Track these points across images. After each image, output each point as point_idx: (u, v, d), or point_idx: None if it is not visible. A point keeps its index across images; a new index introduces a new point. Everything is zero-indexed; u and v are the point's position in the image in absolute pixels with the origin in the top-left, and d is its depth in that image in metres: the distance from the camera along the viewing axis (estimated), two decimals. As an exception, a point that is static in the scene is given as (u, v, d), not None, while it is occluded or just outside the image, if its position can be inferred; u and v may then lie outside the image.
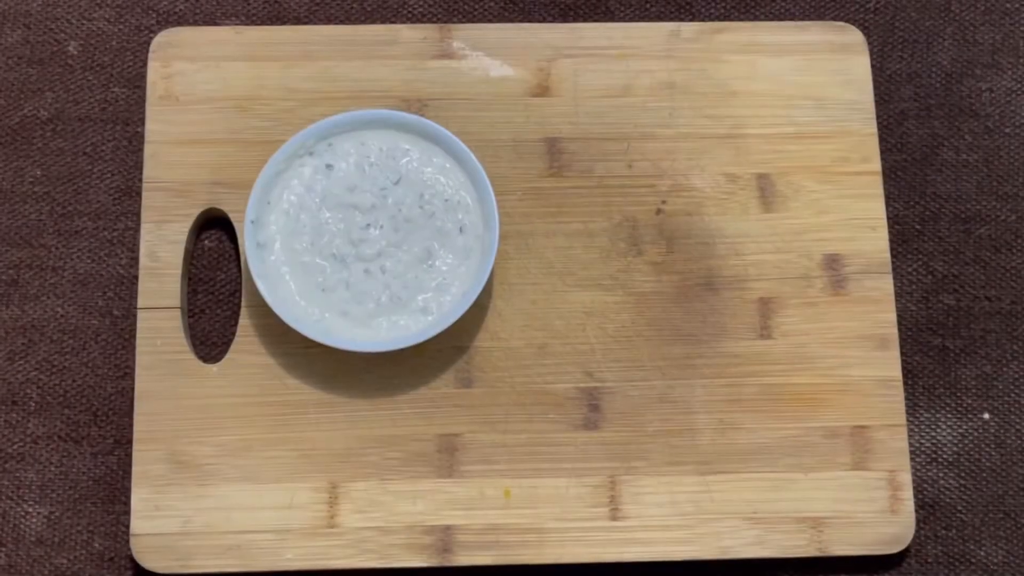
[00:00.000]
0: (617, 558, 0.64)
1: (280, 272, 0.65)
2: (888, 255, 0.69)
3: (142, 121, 0.71)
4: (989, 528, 0.68)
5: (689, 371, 0.67)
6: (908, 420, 0.69)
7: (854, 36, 0.73)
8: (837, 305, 0.68)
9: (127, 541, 0.65)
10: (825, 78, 0.72)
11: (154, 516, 0.64)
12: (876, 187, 0.70)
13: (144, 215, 0.68)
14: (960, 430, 0.69)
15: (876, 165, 0.71)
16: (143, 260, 0.67)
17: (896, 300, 0.70)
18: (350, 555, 0.64)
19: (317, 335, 0.63)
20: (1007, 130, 0.74)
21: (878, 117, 0.72)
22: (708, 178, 0.70)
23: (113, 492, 0.66)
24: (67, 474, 0.67)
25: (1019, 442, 0.70)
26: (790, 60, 0.72)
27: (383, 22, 0.74)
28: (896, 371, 0.68)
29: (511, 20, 0.75)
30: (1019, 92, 0.75)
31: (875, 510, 0.66)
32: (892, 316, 0.69)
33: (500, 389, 0.66)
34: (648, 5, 0.76)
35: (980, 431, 0.70)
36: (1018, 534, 0.68)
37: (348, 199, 0.65)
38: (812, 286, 0.69)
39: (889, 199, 0.72)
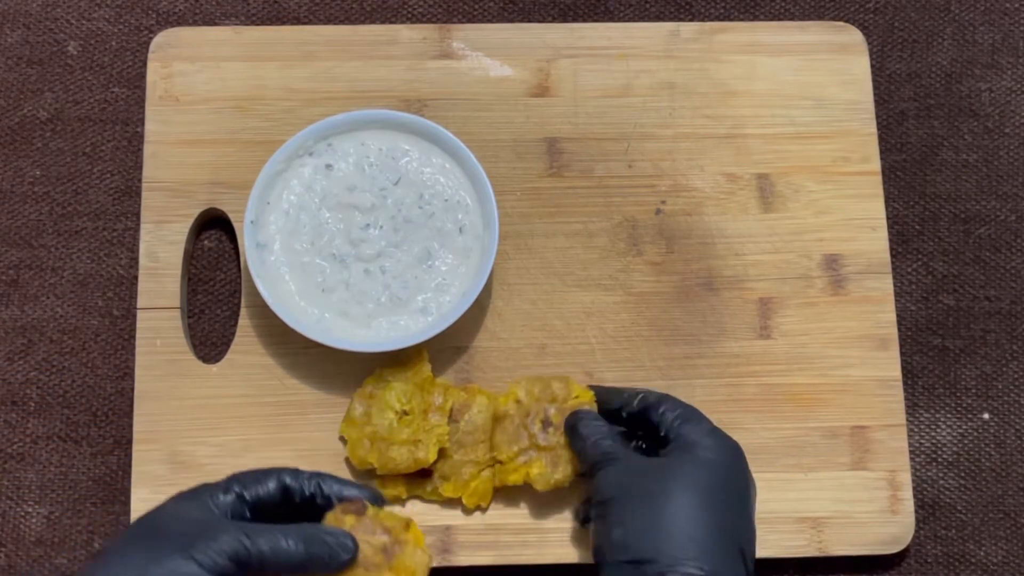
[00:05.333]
0: (617, 558, 0.64)
1: (280, 272, 0.65)
2: (888, 255, 0.69)
3: (142, 121, 0.71)
4: (989, 528, 0.68)
5: (689, 371, 0.67)
6: (908, 420, 0.69)
7: (854, 36, 0.73)
8: (837, 305, 0.68)
9: (127, 541, 0.65)
10: (825, 78, 0.72)
11: (154, 516, 0.64)
12: (876, 187, 0.70)
13: (144, 215, 0.68)
14: (960, 430, 0.69)
15: (876, 165, 0.71)
16: (143, 260, 0.67)
17: (896, 300, 0.70)
18: (350, 555, 0.64)
19: (317, 335, 0.63)
20: (1007, 130, 0.74)
21: (878, 117, 0.72)
22: (708, 178, 0.70)
23: (113, 492, 0.66)
24: (67, 474, 0.67)
25: (1019, 442, 0.70)
26: (790, 60, 0.72)
27: (383, 22, 0.74)
28: (896, 371, 0.68)
29: (511, 20, 0.75)
30: (1019, 92, 0.75)
31: (875, 510, 0.66)
32: (892, 316, 0.69)
33: (500, 389, 0.66)
34: (648, 5, 0.76)
35: (980, 431, 0.70)
36: (1018, 534, 0.68)
37: (348, 199, 0.65)
38: (812, 286, 0.69)
39: (889, 199, 0.72)
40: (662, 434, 0.59)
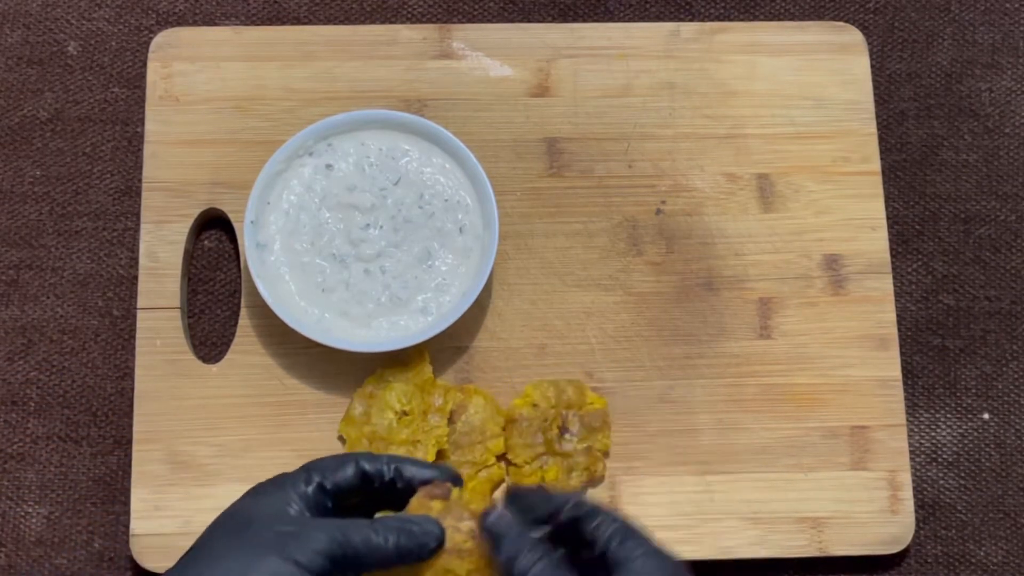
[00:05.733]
0: (617, 558, 0.64)
1: (280, 272, 0.65)
2: (888, 255, 0.69)
3: (142, 121, 0.71)
4: (989, 528, 0.68)
5: (689, 371, 0.67)
6: (908, 420, 0.69)
7: (854, 36, 0.73)
8: (837, 305, 0.68)
9: (127, 541, 0.65)
10: (825, 78, 0.72)
11: (154, 516, 0.64)
12: (876, 187, 0.70)
13: (144, 215, 0.68)
14: (960, 430, 0.69)
15: (876, 165, 0.71)
16: (143, 260, 0.67)
17: (896, 300, 0.70)
18: (350, 555, 0.64)
19: (317, 335, 0.63)
20: (1007, 130, 0.74)
21: (878, 117, 0.72)
22: (708, 178, 0.70)
23: (113, 492, 0.66)
24: (67, 474, 0.67)
25: (1019, 442, 0.70)
26: (790, 60, 0.72)
27: (383, 22, 0.74)
28: (896, 371, 0.68)
29: (511, 20, 0.75)
30: (1019, 92, 0.75)
31: (875, 510, 0.66)
32: (892, 316, 0.69)
33: (500, 389, 0.66)
34: (648, 5, 0.76)
35: (980, 431, 0.70)
36: (1018, 534, 0.68)
37: (348, 199, 0.65)
38: (812, 286, 0.69)
39: (889, 199, 0.72)
40: (598, 553, 0.50)
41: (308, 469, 0.53)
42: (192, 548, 0.50)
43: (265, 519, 0.50)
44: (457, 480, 0.55)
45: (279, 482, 0.52)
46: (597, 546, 0.50)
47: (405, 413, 0.62)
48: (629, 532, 0.50)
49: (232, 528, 0.50)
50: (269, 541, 0.48)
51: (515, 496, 0.54)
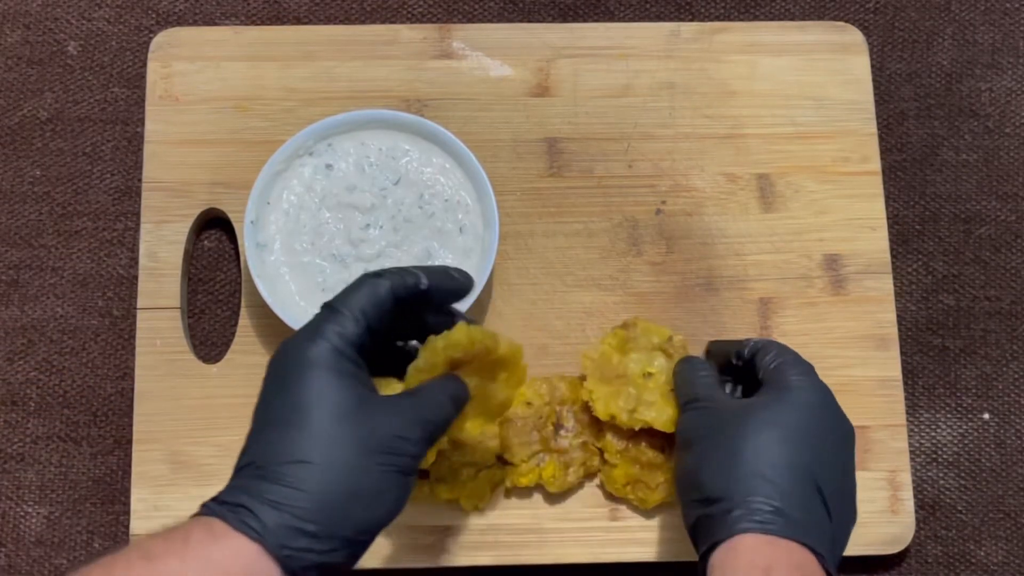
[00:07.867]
0: (617, 558, 0.64)
1: (280, 272, 0.65)
2: (888, 255, 0.69)
3: (142, 121, 0.71)
4: (989, 528, 0.68)
5: (689, 371, 0.67)
6: (908, 420, 0.69)
7: (854, 36, 0.73)
8: (837, 305, 0.68)
9: (127, 541, 0.65)
10: (825, 78, 0.72)
11: (154, 516, 0.64)
12: (876, 187, 0.70)
13: (144, 215, 0.68)
14: (960, 430, 0.69)
15: (876, 165, 0.71)
16: (143, 260, 0.67)
17: (896, 300, 0.70)
18: (350, 555, 0.64)
19: (317, 335, 0.63)
20: (1007, 130, 0.74)
21: (878, 117, 0.72)
22: (708, 178, 0.70)
23: (113, 492, 0.66)
24: (67, 474, 0.67)
25: (1019, 442, 0.70)
26: (790, 60, 0.72)
27: (383, 22, 0.74)
28: (896, 371, 0.68)
29: (511, 20, 0.75)
30: (1019, 92, 0.75)
31: (875, 510, 0.66)
32: (892, 316, 0.69)
33: (500, 389, 0.66)
34: (648, 5, 0.76)
35: (980, 431, 0.70)
36: (1018, 534, 0.68)
37: (348, 199, 0.65)
38: (812, 286, 0.69)
39: (889, 199, 0.72)
40: (759, 377, 0.58)
41: (342, 311, 0.50)
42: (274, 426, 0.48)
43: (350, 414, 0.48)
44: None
45: (325, 348, 0.50)
46: (760, 372, 0.58)
47: None
48: (788, 360, 0.57)
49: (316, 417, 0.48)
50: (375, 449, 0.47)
51: (711, 346, 0.65)
